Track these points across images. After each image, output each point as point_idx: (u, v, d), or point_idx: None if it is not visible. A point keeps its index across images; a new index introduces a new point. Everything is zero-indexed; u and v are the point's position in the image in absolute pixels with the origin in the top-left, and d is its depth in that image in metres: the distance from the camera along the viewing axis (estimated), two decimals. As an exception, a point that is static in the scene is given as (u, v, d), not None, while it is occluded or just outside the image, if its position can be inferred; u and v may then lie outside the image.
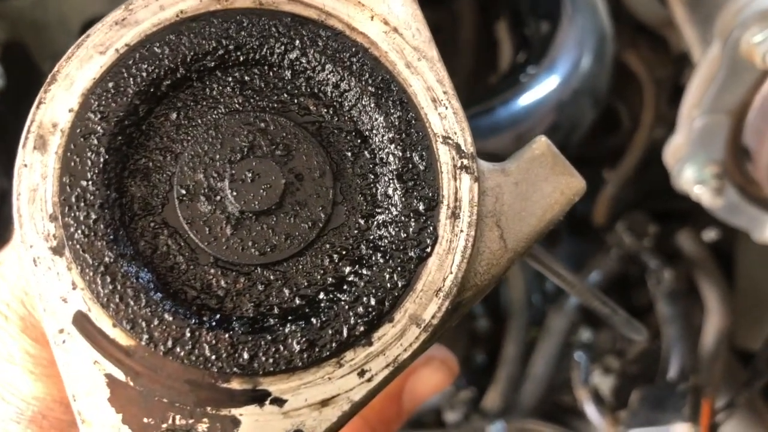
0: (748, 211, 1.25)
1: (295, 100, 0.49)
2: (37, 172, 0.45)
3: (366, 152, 0.49)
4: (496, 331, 1.58)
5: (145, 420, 0.44)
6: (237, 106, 0.48)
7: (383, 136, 0.48)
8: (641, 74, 1.42)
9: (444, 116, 0.49)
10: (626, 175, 1.48)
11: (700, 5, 1.18)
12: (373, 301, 0.46)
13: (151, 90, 0.46)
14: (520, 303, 1.52)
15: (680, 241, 1.50)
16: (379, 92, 0.48)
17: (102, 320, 0.44)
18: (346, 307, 0.45)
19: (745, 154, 1.18)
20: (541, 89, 1.14)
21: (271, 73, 0.49)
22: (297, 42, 0.48)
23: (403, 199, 0.47)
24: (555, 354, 1.49)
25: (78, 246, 0.44)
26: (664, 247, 1.51)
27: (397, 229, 0.47)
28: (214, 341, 0.44)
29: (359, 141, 0.49)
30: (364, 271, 0.47)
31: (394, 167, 0.48)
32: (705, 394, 1.35)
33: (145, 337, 0.44)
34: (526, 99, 1.13)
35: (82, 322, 0.44)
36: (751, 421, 1.41)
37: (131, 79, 0.46)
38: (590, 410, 1.47)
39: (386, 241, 0.47)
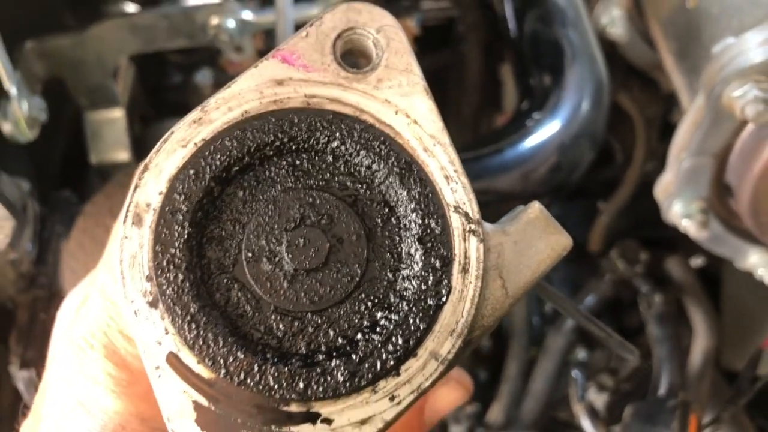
0: (730, 242, 1.35)
1: (336, 179, 0.60)
2: (135, 243, 0.56)
3: (392, 219, 0.60)
4: (498, 351, 1.67)
5: None
6: (290, 184, 0.60)
7: (406, 207, 0.59)
8: (633, 113, 1.52)
9: (455, 190, 0.60)
10: (619, 206, 1.58)
11: (687, 56, 1.28)
12: (400, 341, 0.56)
13: (223, 174, 0.58)
14: (520, 324, 1.61)
15: (669, 268, 1.60)
16: (403, 172, 0.59)
17: (189, 358, 0.55)
18: (379, 345, 0.56)
19: (727, 191, 1.28)
20: (544, 132, 1.23)
21: (316, 158, 0.60)
22: (337, 134, 0.59)
23: (423, 258, 0.58)
24: (553, 372, 1.57)
25: (169, 300, 0.55)
26: (654, 273, 1.60)
27: (418, 282, 0.58)
28: (276, 374, 0.54)
29: (387, 210, 0.60)
30: (393, 316, 0.57)
31: (415, 232, 0.59)
32: (693, 410, 1.44)
33: (223, 371, 0.54)
34: (531, 141, 1.22)
35: (173, 360, 0.55)
36: (736, 435, 1.50)
37: (207, 167, 0.57)
38: (586, 425, 1.56)
39: (410, 292, 0.58)
